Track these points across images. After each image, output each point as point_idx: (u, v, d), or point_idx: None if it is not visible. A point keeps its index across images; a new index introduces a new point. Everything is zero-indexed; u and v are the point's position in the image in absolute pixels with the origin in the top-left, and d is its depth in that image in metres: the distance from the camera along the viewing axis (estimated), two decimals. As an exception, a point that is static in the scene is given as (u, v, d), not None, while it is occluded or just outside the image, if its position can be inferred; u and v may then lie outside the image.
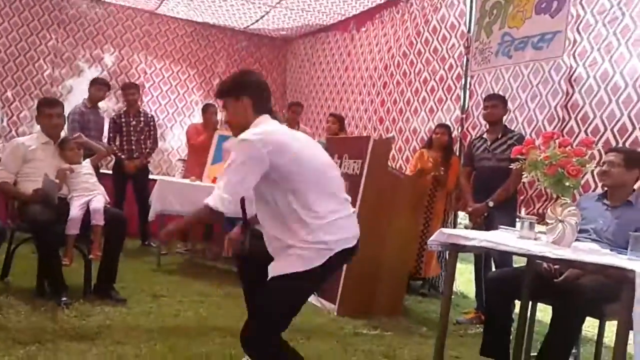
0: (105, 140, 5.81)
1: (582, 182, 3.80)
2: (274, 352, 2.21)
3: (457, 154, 5.11)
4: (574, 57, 4.03)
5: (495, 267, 4.03)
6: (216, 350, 2.92)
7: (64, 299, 3.46)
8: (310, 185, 2.23)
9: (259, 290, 2.29)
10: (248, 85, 2.37)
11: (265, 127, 2.29)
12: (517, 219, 3.69)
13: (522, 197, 4.33)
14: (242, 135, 2.22)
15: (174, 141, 7.52)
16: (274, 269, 2.23)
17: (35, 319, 3.19)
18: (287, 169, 2.19)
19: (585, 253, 2.34)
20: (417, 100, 5.67)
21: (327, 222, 2.22)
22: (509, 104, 4.38)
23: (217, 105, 6.19)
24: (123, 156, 5.78)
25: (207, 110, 6.08)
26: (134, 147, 5.82)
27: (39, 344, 2.77)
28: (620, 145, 3.57)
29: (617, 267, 2.06)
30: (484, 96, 4.59)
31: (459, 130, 5.16)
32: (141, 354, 2.80)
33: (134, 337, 3.01)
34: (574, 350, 3.30)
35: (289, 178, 2.20)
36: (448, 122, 5.27)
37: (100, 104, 6.01)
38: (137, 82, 6.58)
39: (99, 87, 5.74)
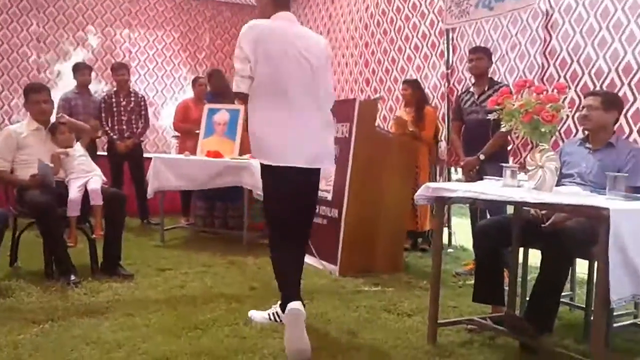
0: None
1: (564, 128, 3.89)
2: None
3: (446, 108, 5.17)
4: (550, 3, 4.07)
5: (491, 218, 4.13)
6: (221, 316, 3.02)
7: (72, 278, 3.54)
8: None
9: None
10: None
11: None
12: (504, 169, 3.77)
13: (510, 147, 4.42)
14: None
15: (167, 119, 7.48)
16: None
17: (46, 299, 3.27)
18: None
19: (564, 196, 2.39)
20: (403, 58, 5.70)
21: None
22: (490, 56, 4.41)
23: (204, 77, 6.21)
24: (115, 136, 5.82)
25: (196, 81, 6.13)
26: (124, 127, 5.85)
27: (51, 321, 2.85)
28: (598, 88, 3.64)
29: (592, 206, 2.12)
30: (467, 50, 4.62)
31: (445, 86, 5.21)
32: (150, 323, 2.89)
33: (142, 309, 3.10)
34: (569, 292, 3.39)
35: None
36: (435, 79, 5.31)
37: (92, 87, 6.03)
38: (123, 62, 6.56)
39: (81, 72, 5.78)
